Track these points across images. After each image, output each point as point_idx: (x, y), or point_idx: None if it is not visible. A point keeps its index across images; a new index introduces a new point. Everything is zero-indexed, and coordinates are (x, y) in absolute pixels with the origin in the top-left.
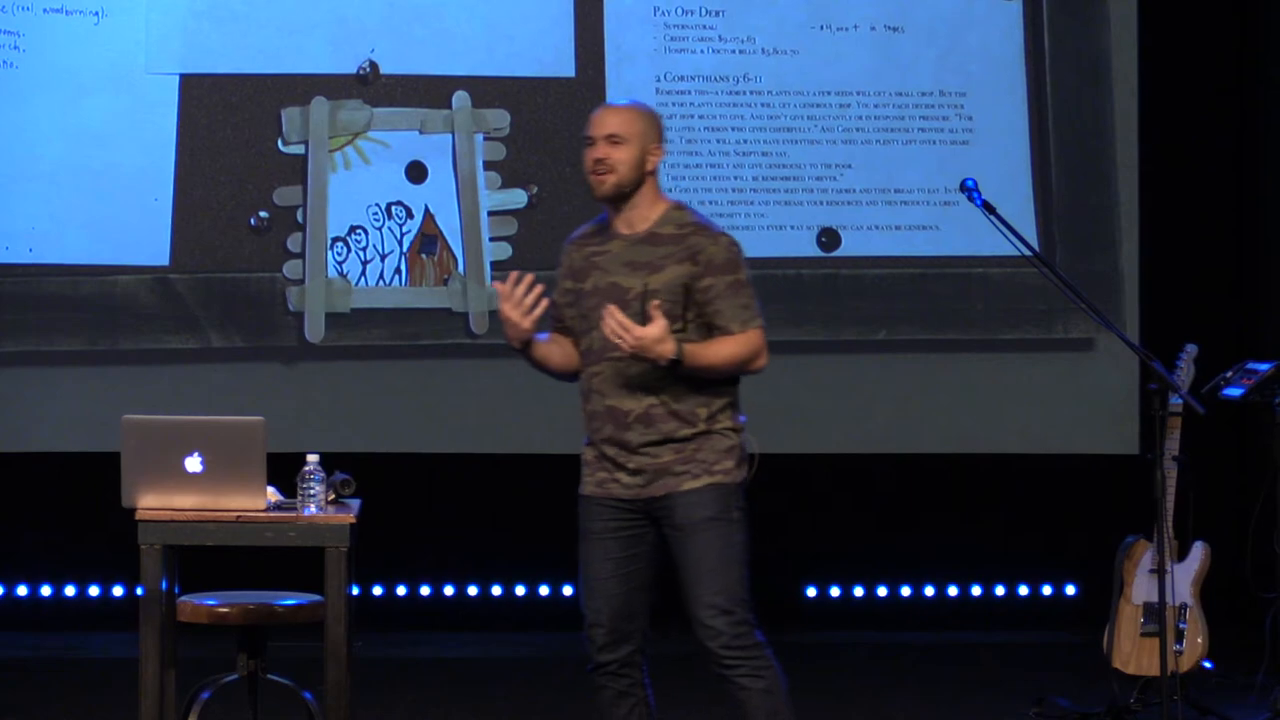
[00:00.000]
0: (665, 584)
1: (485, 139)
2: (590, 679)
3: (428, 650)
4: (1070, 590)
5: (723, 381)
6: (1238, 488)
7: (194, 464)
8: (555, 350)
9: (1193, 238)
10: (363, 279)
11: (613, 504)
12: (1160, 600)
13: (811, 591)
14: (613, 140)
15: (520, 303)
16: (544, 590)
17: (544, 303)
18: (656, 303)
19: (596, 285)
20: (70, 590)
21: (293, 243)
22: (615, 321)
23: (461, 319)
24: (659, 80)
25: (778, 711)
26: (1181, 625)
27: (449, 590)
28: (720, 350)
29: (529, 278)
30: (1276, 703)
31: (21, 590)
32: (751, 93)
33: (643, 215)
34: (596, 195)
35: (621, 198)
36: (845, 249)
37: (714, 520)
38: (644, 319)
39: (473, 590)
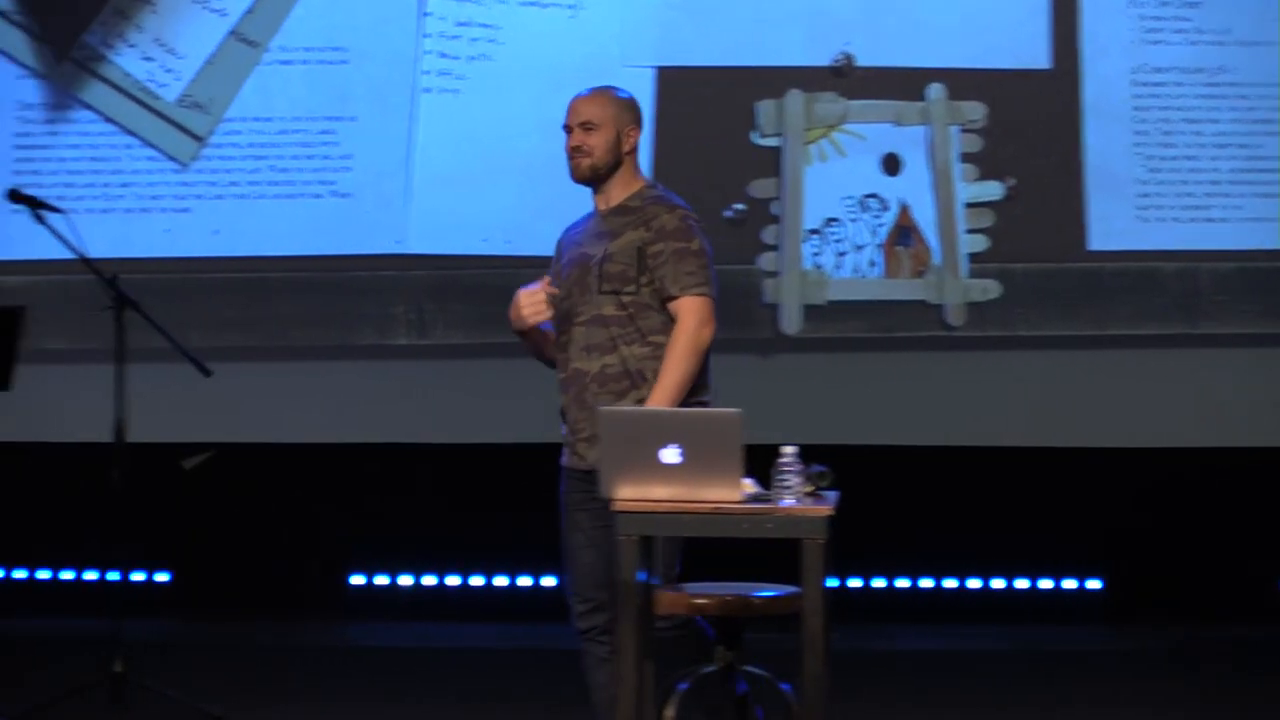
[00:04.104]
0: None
1: (961, 131)
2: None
3: (904, 642)
4: None
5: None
6: None
7: (671, 455)
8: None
9: None
10: (837, 271)
11: (577, 475)
12: None
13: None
14: (586, 127)
15: (534, 301)
16: (1021, 584)
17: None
18: None
19: (571, 257)
20: (524, 581)
21: (768, 235)
22: None
23: (937, 311)
24: (1134, 72)
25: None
26: None
27: (926, 583)
28: (669, 368)
29: (544, 281)
30: None
31: (476, 580)
32: (1228, 85)
33: (617, 194)
34: (574, 178)
35: (598, 179)
36: None
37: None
38: (602, 282)
39: (950, 583)
